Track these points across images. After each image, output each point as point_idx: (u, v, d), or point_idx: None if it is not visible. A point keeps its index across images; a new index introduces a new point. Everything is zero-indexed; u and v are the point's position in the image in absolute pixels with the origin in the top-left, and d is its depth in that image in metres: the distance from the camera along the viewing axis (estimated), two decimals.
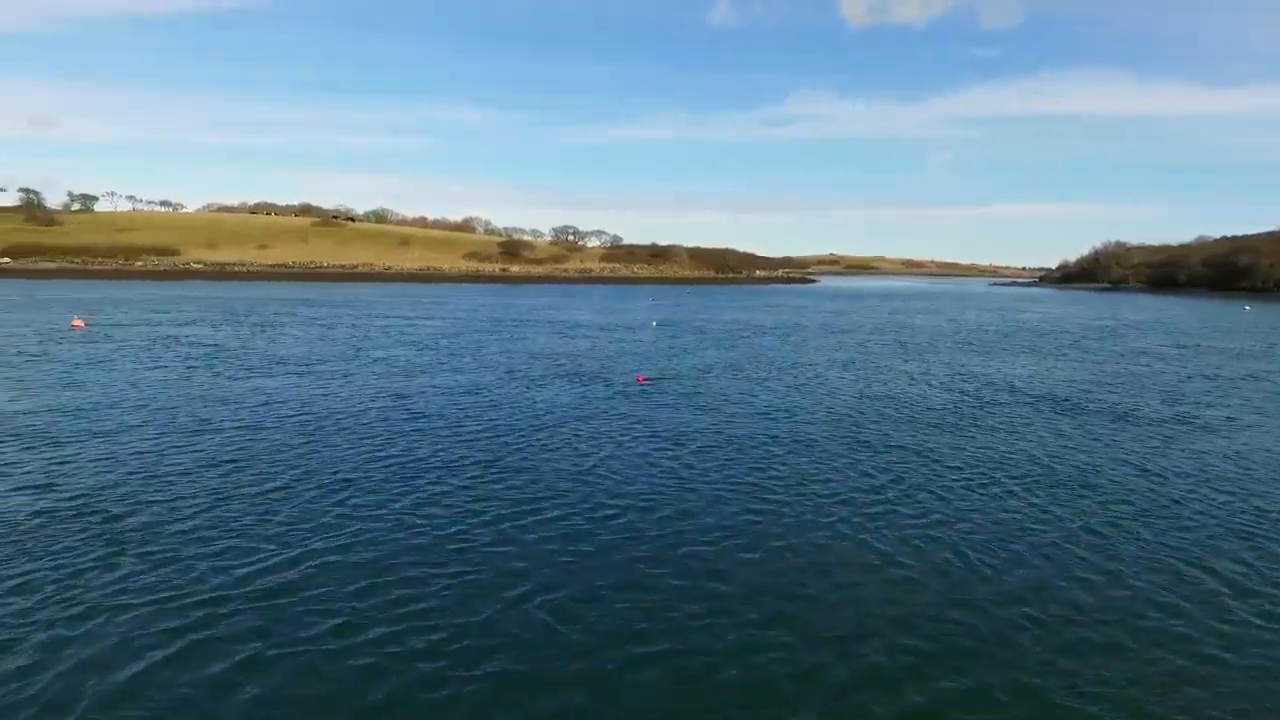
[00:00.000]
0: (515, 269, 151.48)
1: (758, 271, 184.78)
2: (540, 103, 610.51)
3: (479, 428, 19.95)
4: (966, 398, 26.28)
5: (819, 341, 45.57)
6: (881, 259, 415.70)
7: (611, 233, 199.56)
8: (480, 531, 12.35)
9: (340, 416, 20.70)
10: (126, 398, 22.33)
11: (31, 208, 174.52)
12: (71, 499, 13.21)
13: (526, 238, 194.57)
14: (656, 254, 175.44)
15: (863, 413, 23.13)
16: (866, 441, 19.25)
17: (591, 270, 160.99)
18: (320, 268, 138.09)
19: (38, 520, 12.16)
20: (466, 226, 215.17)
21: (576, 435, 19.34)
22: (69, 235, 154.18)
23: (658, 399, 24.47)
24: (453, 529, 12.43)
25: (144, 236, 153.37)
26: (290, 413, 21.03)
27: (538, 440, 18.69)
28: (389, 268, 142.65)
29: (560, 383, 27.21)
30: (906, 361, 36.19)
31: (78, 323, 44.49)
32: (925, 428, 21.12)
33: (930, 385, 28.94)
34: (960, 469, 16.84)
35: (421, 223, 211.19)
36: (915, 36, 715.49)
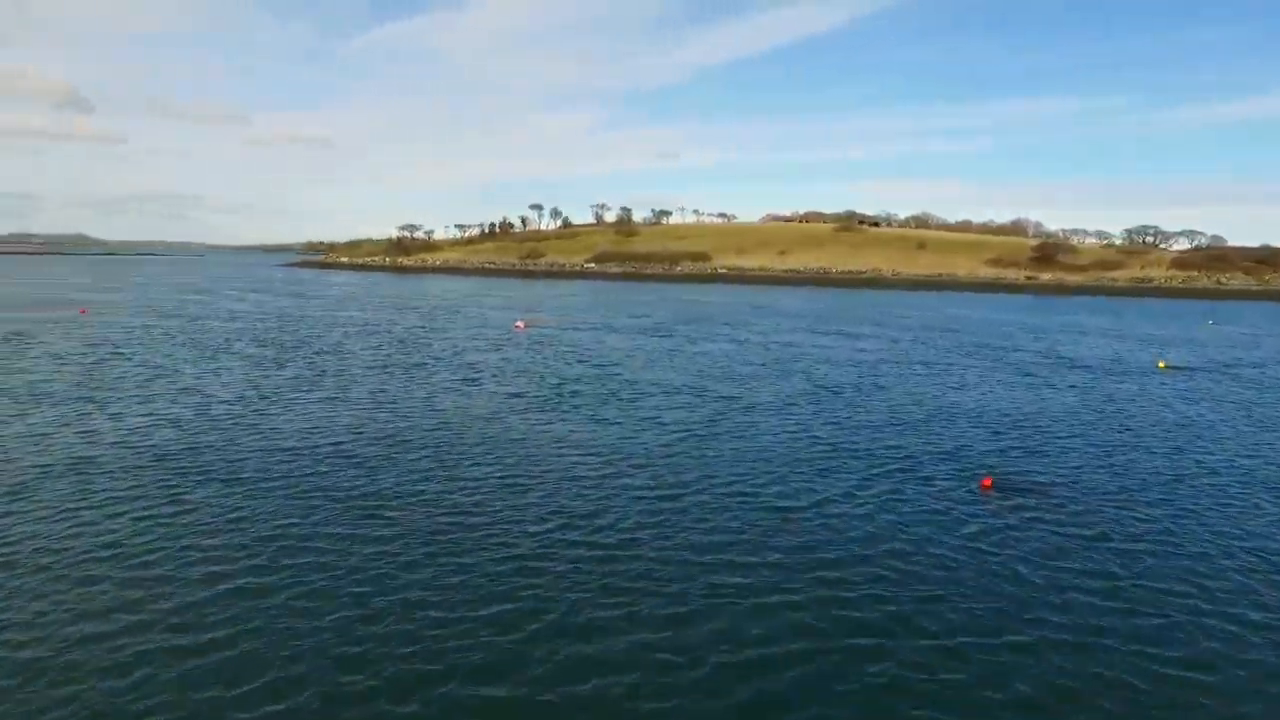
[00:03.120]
0: (1045, 277, 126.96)
1: None
2: (1133, 84, 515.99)
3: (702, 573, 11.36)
4: None
5: None
6: None
7: (1209, 233, 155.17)
8: None
9: (576, 506, 14.15)
10: (419, 424, 19.60)
11: (621, 223, 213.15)
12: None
13: (1090, 240, 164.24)
14: (1261, 259, 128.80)
15: None
16: None
17: (1151, 279, 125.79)
18: (828, 273, 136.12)
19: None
20: (1015, 229, 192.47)
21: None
22: (640, 244, 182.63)
23: (1048, 566, 11.93)
24: None
25: (690, 244, 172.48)
26: (537, 472, 15.44)
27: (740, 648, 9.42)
28: (896, 273, 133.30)
29: (899, 481, 16.08)
30: None
31: (519, 325, 47.65)
32: None
33: None
34: None
35: (964, 227, 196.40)
36: None
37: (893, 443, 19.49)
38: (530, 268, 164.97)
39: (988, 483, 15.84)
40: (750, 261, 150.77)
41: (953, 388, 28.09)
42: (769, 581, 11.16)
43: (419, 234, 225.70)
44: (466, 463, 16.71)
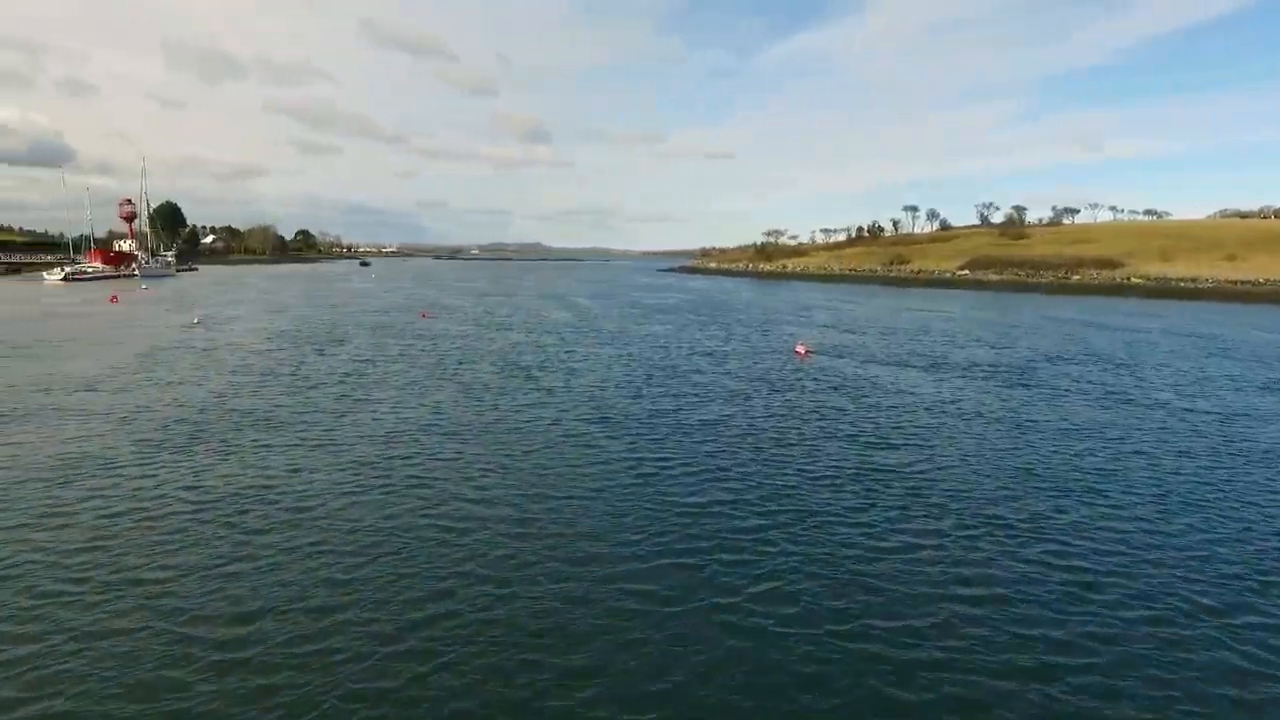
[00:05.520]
0: None
1: None
2: None
3: None
4: None
5: None
6: None
7: None
8: None
9: None
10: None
11: (1009, 223, 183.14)
12: None
13: None
14: None
15: None
16: None
17: None
18: None
19: None
20: None
21: None
22: (1028, 248, 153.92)
23: None
24: None
25: (1096, 248, 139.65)
26: None
27: None
28: None
29: None
30: None
31: (800, 350, 37.26)
32: None
33: None
34: None
35: None
36: None
37: None
38: (893, 274, 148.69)
39: None
40: (1180, 269, 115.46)
41: None
42: None
43: (784, 239, 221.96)
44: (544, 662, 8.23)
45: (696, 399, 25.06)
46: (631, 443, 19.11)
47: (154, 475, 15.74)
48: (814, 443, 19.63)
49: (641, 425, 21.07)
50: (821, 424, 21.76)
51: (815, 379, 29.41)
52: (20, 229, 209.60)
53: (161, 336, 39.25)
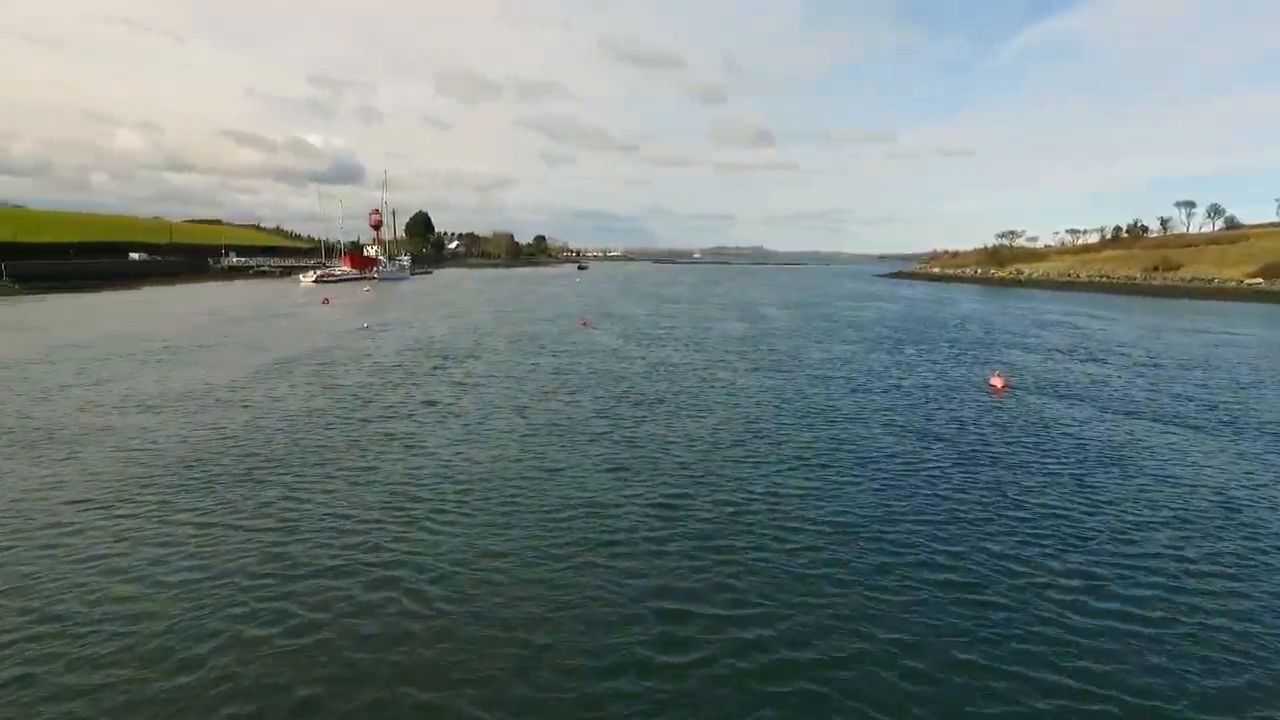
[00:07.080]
0: None
1: None
2: None
3: None
4: None
5: None
6: None
7: None
8: None
9: None
10: None
11: None
12: None
13: None
14: None
15: None
16: None
17: None
18: None
19: None
20: None
21: None
22: None
23: None
24: None
25: None
26: None
27: None
28: None
29: None
30: None
31: (996, 383, 27.40)
32: None
33: None
34: None
35: None
36: None
37: None
38: (1156, 283, 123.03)
39: None
40: None
41: None
42: None
43: (1021, 240, 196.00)
44: None
45: (836, 472, 17.59)
46: (711, 558, 12.51)
47: (82, 534, 12.12)
48: (986, 579, 11.71)
49: (738, 523, 14.23)
50: (1014, 537, 13.54)
51: (1026, 441, 20.39)
52: (308, 236, 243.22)
53: (316, 343, 38.75)
